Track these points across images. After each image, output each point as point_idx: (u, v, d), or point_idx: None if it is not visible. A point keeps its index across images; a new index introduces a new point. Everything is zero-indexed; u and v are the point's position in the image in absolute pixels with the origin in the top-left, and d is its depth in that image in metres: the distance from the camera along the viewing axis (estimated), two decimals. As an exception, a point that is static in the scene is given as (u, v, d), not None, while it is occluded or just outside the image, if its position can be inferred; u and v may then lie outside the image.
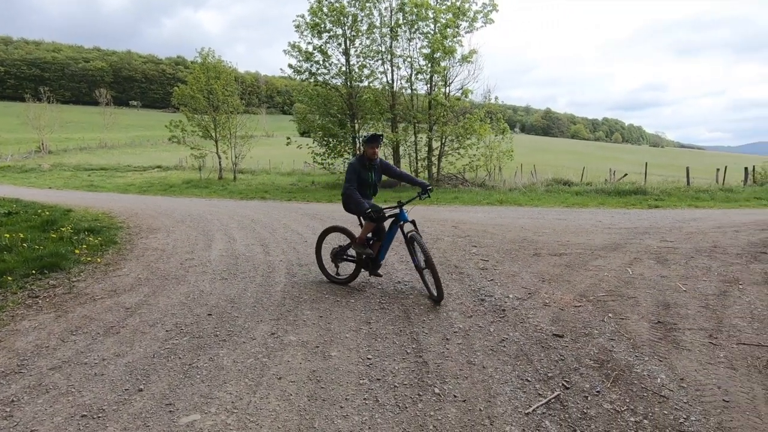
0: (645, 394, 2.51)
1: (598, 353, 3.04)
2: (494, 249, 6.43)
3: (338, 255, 4.82)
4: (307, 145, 19.70)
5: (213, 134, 22.97)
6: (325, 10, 18.35)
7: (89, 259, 5.57)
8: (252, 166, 31.41)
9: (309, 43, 19.09)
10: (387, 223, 4.54)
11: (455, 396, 2.54)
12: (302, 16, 18.83)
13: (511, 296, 4.26)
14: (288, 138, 20.14)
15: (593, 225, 8.77)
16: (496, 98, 20.41)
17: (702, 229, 8.15)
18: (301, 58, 19.16)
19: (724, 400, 2.44)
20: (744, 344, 3.16)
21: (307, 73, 19.41)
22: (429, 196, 4.44)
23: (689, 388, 2.57)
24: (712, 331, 3.37)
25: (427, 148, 19.22)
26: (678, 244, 6.67)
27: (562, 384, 2.64)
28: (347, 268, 4.98)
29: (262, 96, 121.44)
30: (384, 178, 4.81)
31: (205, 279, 4.92)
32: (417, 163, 19.37)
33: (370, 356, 3.05)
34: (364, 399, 2.52)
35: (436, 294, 4.07)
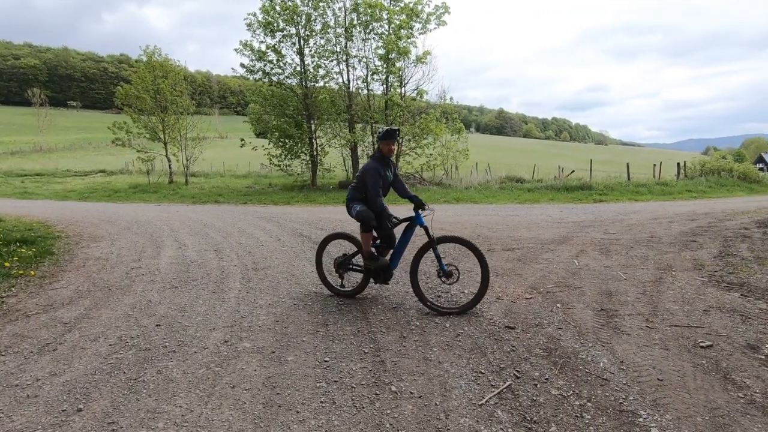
0: (589, 379, 2.65)
1: (547, 342, 3.18)
2: (450, 246, 6.56)
3: (343, 264, 4.39)
4: (263, 146, 19.25)
5: (161, 136, 21.92)
6: (277, 8, 18.01)
7: (21, 272, 5.14)
8: (205, 169, 30.28)
9: (262, 42, 18.69)
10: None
11: (412, 393, 2.56)
12: (254, 15, 18.40)
13: (466, 291, 4.37)
14: (242, 139, 19.57)
15: (544, 220, 9.18)
16: (451, 98, 20.92)
17: (641, 221, 8.73)
18: (253, 58, 18.69)
19: (658, 379, 2.63)
20: (676, 326, 3.42)
21: (260, 72, 18.97)
22: (424, 210, 4.03)
23: (628, 370, 2.74)
24: (648, 316, 3.62)
25: (384, 148, 19.27)
26: (619, 236, 7.10)
27: (514, 374, 2.73)
28: (351, 278, 4.65)
29: (214, 96, 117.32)
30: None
31: (153, 288, 4.69)
32: (375, 164, 19.41)
33: (327, 358, 3.02)
34: (321, 402, 2.50)
35: (472, 299, 3.80)
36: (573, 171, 20.34)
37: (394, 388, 2.61)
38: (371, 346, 3.21)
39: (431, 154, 19.70)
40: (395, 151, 4.17)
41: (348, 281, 4.54)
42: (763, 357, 2.88)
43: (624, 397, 2.45)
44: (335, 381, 2.72)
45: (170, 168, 22.49)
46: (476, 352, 3.04)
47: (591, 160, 20.03)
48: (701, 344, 3.07)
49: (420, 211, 3.98)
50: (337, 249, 5.58)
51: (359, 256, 4.31)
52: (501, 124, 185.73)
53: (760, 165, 46.57)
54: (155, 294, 4.49)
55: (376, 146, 4.27)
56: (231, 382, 2.73)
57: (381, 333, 3.43)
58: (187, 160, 22.35)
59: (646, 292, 4.25)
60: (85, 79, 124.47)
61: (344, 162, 20.33)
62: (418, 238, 5.01)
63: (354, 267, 4.37)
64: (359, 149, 19.48)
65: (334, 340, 3.32)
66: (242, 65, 18.97)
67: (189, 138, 22.50)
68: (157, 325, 3.65)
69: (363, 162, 19.70)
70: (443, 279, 3.90)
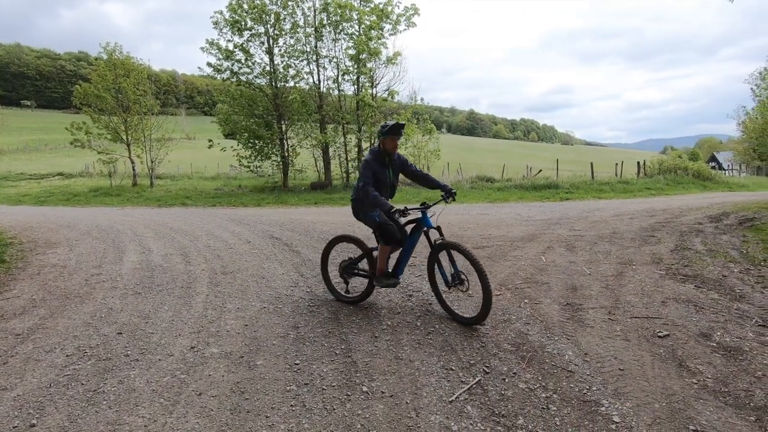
0: (555, 371, 2.72)
1: (515, 337, 3.25)
2: (421, 245, 6.60)
3: (348, 269, 4.16)
4: (232, 147, 18.83)
5: (124, 137, 21.08)
6: (245, 7, 17.65)
7: (-31, 281, 4.83)
8: (172, 171, 29.32)
9: (229, 40, 18.28)
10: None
11: (383, 392, 2.56)
12: (220, 13, 17.96)
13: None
14: (210, 141, 19.07)
15: (512, 218, 9.39)
16: (422, 99, 21.06)
17: (604, 218, 9.07)
18: (221, 57, 18.25)
19: (619, 368, 2.73)
20: (636, 317, 3.56)
21: (228, 72, 18.55)
22: (454, 200, 3.78)
23: (591, 362, 2.83)
24: (610, 309, 3.76)
25: (357, 149, 19.27)
26: (584, 232, 7.35)
27: (483, 369, 2.78)
28: (351, 282, 4.38)
29: (181, 96, 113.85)
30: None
31: (114, 295, 4.49)
32: (348, 164, 19.37)
33: (298, 361, 2.98)
34: (291, 406, 2.46)
35: (478, 314, 3.39)
36: (540, 170, 20.92)
37: (365, 389, 2.61)
38: (342, 347, 3.19)
39: (403, 155, 19.79)
40: (398, 148, 3.86)
41: (353, 286, 4.33)
42: (714, 344, 3.04)
43: (588, 387, 2.53)
44: (306, 384, 2.69)
45: (134, 170, 21.66)
46: (447, 350, 3.08)
47: (557, 160, 20.65)
48: (659, 334, 3.22)
49: (427, 212, 3.64)
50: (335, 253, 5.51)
51: (365, 260, 4.05)
52: (472, 125, 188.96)
53: (713, 163, 49.31)
54: (117, 301, 4.31)
55: (376, 142, 3.85)
56: (197, 390, 2.65)
57: (353, 334, 3.41)
58: (152, 162, 21.57)
59: (609, 286, 4.42)
60: (41, 77, 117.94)
61: (316, 163, 20.15)
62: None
63: (359, 272, 4.10)
64: (331, 150, 19.37)
65: (305, 343, 3.28)
66: (209, 64, 18.51)
67: (154, 139, 21.71)
68: (118, 333, 3.50)
69: (335, 163, 19.63)
70: (452, 286, 3.57)
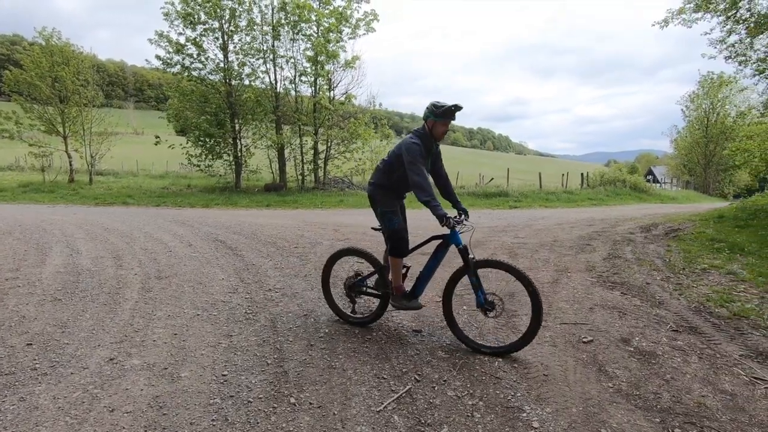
0: (483, 378, 2.78)
1: (450, 344, 3.29)
2: (370, 251, 6.60)
3: (355, 287, 3.67)
4: (181, 145, 18.02)
5: (60, 129, 19.60)
6: (198, 0, 17.00)
7: None
8: (116, 168, 27.72)
9: (181, 33, 17.52)
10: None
11: (311, 403, 2.50)
12: (172, 4, 17.19)
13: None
14: (157, 137, 18.15)
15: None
16: (380, 104, 21.17)
17: (547, 226, 9.48)
18: (171, 50, 17.45)
19: (544, 374, 2.83)
20: (565, 324, 3.72)
21: (179, 66, 17.77)
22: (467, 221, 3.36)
23: (519, 368, 2.92)
24: (543, 315, 3.90)
25: (313, 151, 19.04)
26: (527, 240, 7.63)
27: (414, 377, 2.79)
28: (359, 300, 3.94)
29: (129, 88, 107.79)
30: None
31: (30, 302, 4.12)
32: (303, 166, 19.08)
33: (226, 372, 2.85)
34: (212, 420, 2.34)
35: (518, 340, 3.04)
36: (492, 179, 21.61)
37: (293, 400, 2.53)
38: (275, 356, 3.09)
39: (360, 159, 19.80)
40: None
41: (361, 305, 3.92)
42: (632, 349, 3.23)
43: (513, 393, 2.60)
44: (231, 396, 2.58)
45: (71, 165, 20.19)
46: (381, 358, 3.06)
47: (508, 169, 21.42)
48: (584, 340, 3.38)
49: (457, 228, 3.14)
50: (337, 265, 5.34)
51: (375, 276, 3.60)
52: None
53: (649, 177, 53.13)
54: (32, 308, 3.96)
55: (423, 124, 3.26)
56: (110, 405, 2.46)
57: (288, 342, 3.32)
58: (92, 157, 20.20)
59: (544, 293, 4.59)
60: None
61: (270, 164, 19.70)
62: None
63: (369, 290, 3.63)
64: (286, 151, 19.01)
65: (236, 352, 3.15)
66: (158, 57, 17.65)
67: (94, 133, 20.34)
68: (28, 345, 3.20)
69: (291, 165, 19.26)
70: (486, 311, 3.15)
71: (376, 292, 3.59)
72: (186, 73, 17.88)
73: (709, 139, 39.38)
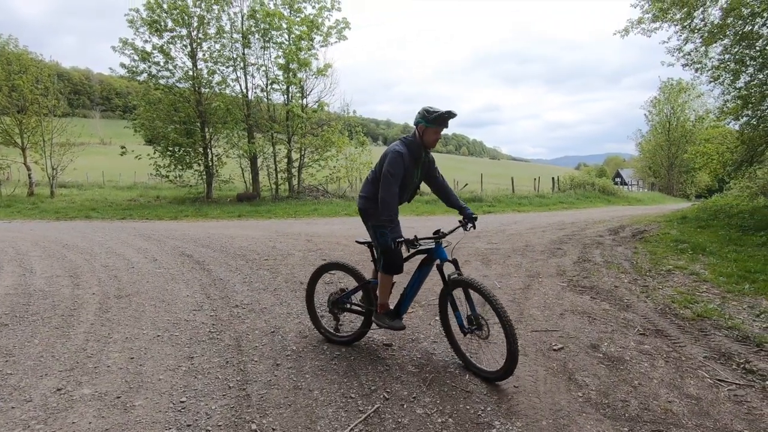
0: (454, 393, 2.72)
1: (420, 358, 3.22)
2: (355, 266, 6.49)
3: (339, 303, 3.50)
4: (149, 155, 17.47)
5: (18, 141, 18.70)
6: (164, 6, 16.60)
7: None
8: (80, 180, 26.64)
9: (147, 41, 17.05)
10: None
11: (273, 429, 2.38)
12: (136, 10, 16.73)
13: (350, 309, 4.29)
14: (123, 147, 17.52)
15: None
16: (354, 111, 21.16)
17: (519, 231, 9.58)
18: (136, 58, 16.95)
19: (515, 386, 2.80)
20: (536, 331, 3.72)
21: (145, 74, 17.28)
22: (474, 227, 3.19)
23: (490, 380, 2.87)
24: (514, 323, 3.88)
25: (286, 160, 18.80)
26: (500, 245, 7.68)
27: (383, 395, 2.70)
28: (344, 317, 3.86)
29: (95, 97, 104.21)
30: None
31: (-28, 328, 3.83)
32: (277, 175, 18.80)
33: (184, 399, 2.69)
34: (166, 453, 2.19)
35: (501, 367, 2.75)
36: (467, 184, 21.84)
37: (254, 426, 2.40)
38: (239, 378, 2.94)
39: (335, 167, 19.67)
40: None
41: (344, 322, 3.76)
42: (601, 355, 3.24)
43: (483, 408, 2.55)
44: (188, 425, 2.42)
45: (30, 178, 19.25)
46: (350, 375, 2.96)
47: (482, 174, 21.71)
48: (554, 347, 3.37)
49: (441, 242, 3.01)
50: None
51: (360, 292, 3.41)
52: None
53: (618, 179, 54.96)
54: (-27, 336, 3.67)
55: (414, 130, 3.09)
56: (53, 442, 2.27)
57: (252, 363, 3.18)
58: (54, 169, 19.33)
59: (516, 299, 4.60)
60: None
61: (243, 173, 19.34)
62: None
63: (354, 307, 3.47)
64: (259, 160, 18.70)
65: (197, 376, 2.99)
66: (122, 65, 17.11)
67: (56, 143, 19.50)
68: (-35, 377, 2.95)
69: (263, 173, 18.96)
70: (468, 332, 2.95)
71: (360, 308, 3.41)
72: (153, 82, 17.41)
73: (671, 142, 41.16)
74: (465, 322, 2.94)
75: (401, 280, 3.54)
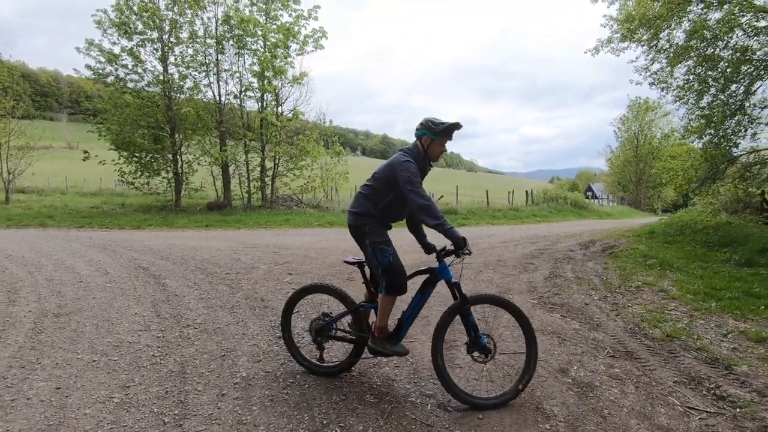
0: (413, 427, 2.49)
1: (380, 385, 2.99)
2: (310, 276, 6.23)
3: (323, 331, 3.12)
4: (113, 161, 16.75)
5: (-29, 143, 17.65)
6: (134, 8, 16.09)
7: None
8: (41, 185, 25.34)
9: (115, 43, 16.45)
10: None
11: (207, 475, 2.10)
12: (104, 12, 16.15)
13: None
14: (86, 152, 16.72)
15: (408, 245, 9.37)
16: (331, 121, 20.94)
17: (492, 245, 9.52)
18: (103, 60, 16.32)
19: (479, 417, 2.60)
20: (503, 354, 3.53)
21: (112, 77, 16.64)
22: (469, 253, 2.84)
23: (453, 411, 2.67)
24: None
25: (260, 168, 18.38)
26: (472, 259, 7.55)
27: (337, 431, 2.45)
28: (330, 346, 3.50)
29: (64, 100, 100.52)
30: None
31: None
32: (249, 184, 18.33)
33: (110, 438, 2.37)
34: None
35: (514, 386, 2.74)
36: (442, 196, 21.89)
37: (185, 472, 2.11)
38: (176, 412, 2.64)
39: (309, 176, 19.34)
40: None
41: (329, 352, 3.42)
42: (570, 381, 3.09)
43: (443, 444, 2.34)
44: (108, 472, 2.11)
45: (-17, 182, 18.17)
46: (301, 407, 2.70)
47: (457, 186, 21.80)
48: (522, 372, 3.19)
49: (446, 261, 2.82)
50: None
51: (348, 317, 3.10)
52: (385, 149, 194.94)
53: (589, 193, 56.53)
54: None
55: (415, 142, 2.94)
56: (-60, 498, 1.92)
57: (195, 393, 2.87)
58: (9, 174, 18.30)
59: (485, 318, 4.42)
60: None
61: (214, 181, 18.78)
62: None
63: (339, 334, 3.15)
64: (231, 168, 18.21)
65: (130, 409, 2.67)
66: (88, 67, 16.42)
67: (14, 146, 18.50)
68: None
69: (235, 181, 18.45)
70: (476, 356, 2.80)
71: (350, 336, 3.09)
72: (121, 85, 16.78)
73: (639, 158, 42.68)
74: (485, 342, 2.76)
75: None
